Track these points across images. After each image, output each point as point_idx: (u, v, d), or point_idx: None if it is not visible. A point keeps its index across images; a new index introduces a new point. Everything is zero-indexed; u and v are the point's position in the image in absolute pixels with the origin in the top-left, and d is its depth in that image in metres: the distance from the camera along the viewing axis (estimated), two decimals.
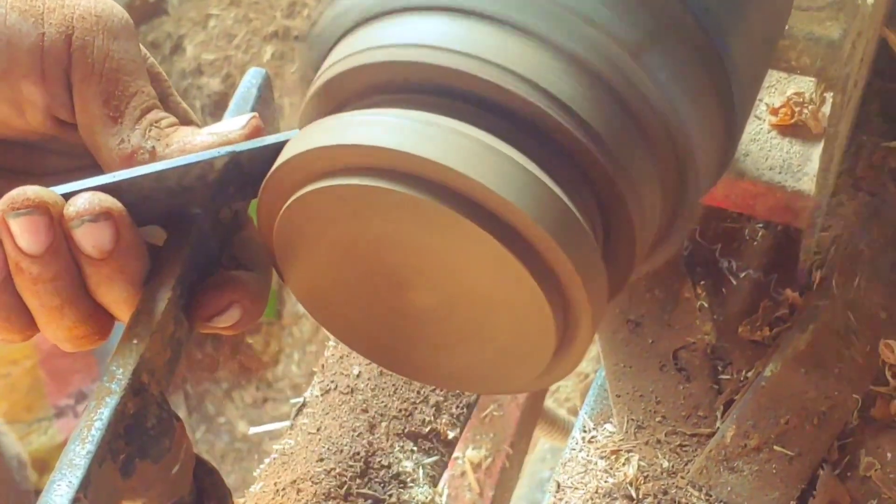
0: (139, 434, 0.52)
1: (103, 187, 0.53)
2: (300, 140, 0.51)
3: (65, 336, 0.55)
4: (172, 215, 0.56)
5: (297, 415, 0.85)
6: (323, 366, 0.88)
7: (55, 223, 0.52)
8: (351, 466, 0.82)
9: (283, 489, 0.81)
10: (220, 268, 0.57)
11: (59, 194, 0.53)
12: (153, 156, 0.56)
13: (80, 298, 0.54)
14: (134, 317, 0.53)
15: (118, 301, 0.54)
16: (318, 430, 0.84)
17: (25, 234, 0.51)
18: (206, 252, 0.56)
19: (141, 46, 0.60)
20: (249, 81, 0.63)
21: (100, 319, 0.55)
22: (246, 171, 0.55)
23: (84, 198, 0.52)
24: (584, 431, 0.87)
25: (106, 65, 0.57)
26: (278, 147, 0.54)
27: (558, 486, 0.84)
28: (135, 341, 0.52)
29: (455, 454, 1.03)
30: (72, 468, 0.49)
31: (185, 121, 0.60)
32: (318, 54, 0.56)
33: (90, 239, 0.52)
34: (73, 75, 0.57)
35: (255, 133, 0.56)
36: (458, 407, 0.86)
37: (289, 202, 0.51)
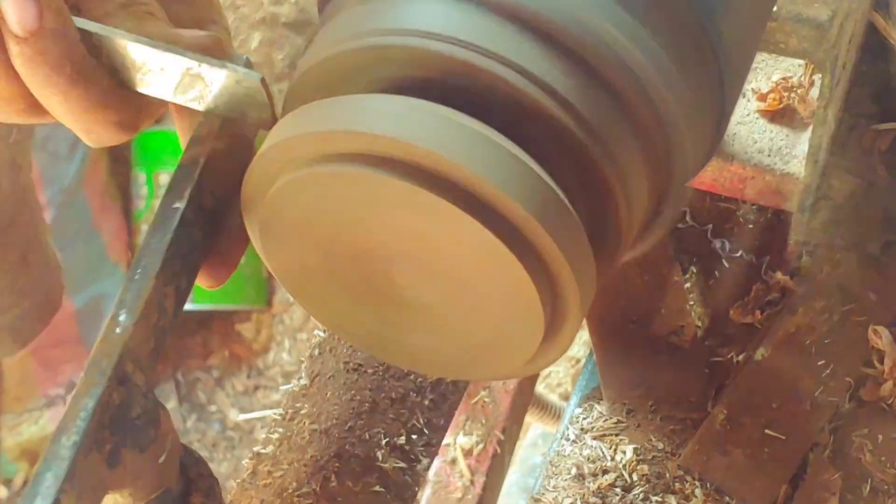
0: (124, 424, 0.52)
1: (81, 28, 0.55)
2: (286, 125, 0.50)
3: None
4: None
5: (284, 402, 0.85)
6: (311, 353, 0.87)
7: None
8: (339, 454, 0.81)
9: (268, 471, 0.80)
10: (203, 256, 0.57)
11: None
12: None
13: (4, 68, 0.55)
14: (117, 305, 0.53)
15: (42, 87, 0.55)
16: (305, 418, 0.83)
17: None
18: (189, 240, 0.56)
19: None
20: None
21: (31, 100, 0.56)
22: (210, 92, 0.56)
23: None
24: (576, 416, 0.87)
25: None
26: (237, 76, 0.54)
27: (549, 471, 0.84)
28: (118, 330, 0.52)
29: (446, 441, 1.03)
30: (57, 459, 0.49)
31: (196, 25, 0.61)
32: (304, 41, 0.55)
33: (11, 13, 0.53)
34: None
35: (204, 47, 0.57)
36: (446, 393, 0.86)
37: (274, 187, 0.51)
